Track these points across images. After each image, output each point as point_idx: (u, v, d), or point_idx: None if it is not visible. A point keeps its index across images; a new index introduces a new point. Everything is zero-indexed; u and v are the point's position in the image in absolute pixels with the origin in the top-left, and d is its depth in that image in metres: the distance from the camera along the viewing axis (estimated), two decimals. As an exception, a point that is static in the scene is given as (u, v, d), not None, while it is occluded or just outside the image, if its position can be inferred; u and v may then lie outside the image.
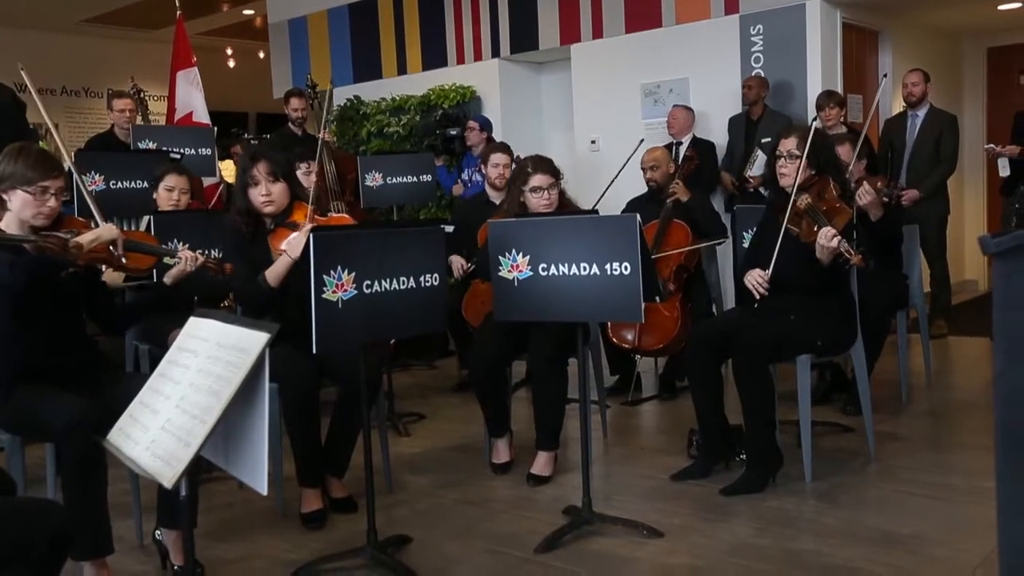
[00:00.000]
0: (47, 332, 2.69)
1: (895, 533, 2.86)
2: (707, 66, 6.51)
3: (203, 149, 5.47)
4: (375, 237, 2.73)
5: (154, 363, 3.91)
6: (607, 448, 4.00)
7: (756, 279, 3.33)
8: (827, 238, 3.10)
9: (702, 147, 6.05)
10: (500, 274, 3.01)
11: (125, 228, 3.77)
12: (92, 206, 3.11)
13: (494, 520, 3.17)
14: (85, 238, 2.66)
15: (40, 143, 6.85)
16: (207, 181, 5.72)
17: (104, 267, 2.93)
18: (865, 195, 3.83)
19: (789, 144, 3.35)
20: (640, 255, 2.80)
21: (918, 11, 6.91)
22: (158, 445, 1.91)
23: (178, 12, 6.80)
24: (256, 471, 1.87)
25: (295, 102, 6.45)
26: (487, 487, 3.54)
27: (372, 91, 8.10)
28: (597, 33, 7.04)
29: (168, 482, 1.79)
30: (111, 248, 2.76)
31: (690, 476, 3.44)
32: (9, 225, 2.66)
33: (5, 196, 2.64)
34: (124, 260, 2.82)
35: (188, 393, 1.94)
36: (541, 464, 3.53)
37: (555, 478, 3.52)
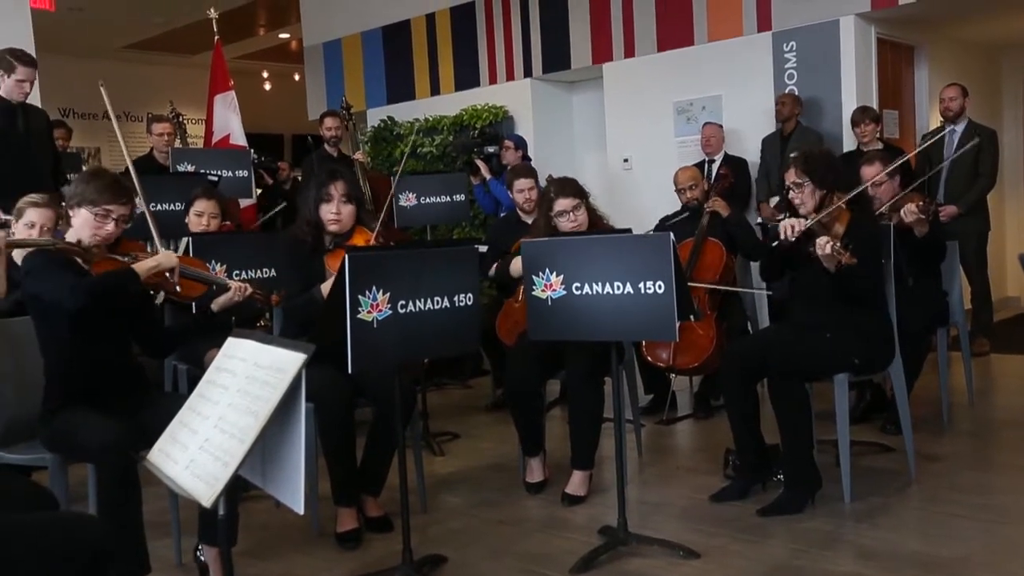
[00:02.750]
0: (99, 354, 2.74)
1: (937, 556, 2.80)
2: (740, 83, 6.50)
3: (240, 171, 5.56)
4: (409, 257, 2.75)
5: (192, 383, 3.97)
6: (642, 467, 3.98)
7: (791, 223, 3.28)
8: (820, 247, 3.11)
9: (735, 164, 6.03)
10: (534, 293, 3.02)
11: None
12: (153, 231, 3.12)
13: (529, 540, 3.16)
14: (146, 264, 2.71)
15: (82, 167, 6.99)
16: (244, 202, 5.81)
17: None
18: (909, 214, 3.84)
19: (791, 176, 3.39)
20: (674, 274, 2.79)
21: (955, 26, 6.85)
22: (197, 464, 1.93)
23: (216, 37, 6.94)
24: (293, 490, 1.88)
25: (329, 122, 6.55)
26: (521, 506, 3.53)
27: (405, 112, 8.19)
28: (629, 52, 7.06)
29: (207, 501, 1.81)
30: (168, 275, 2.80)
31: (727, 497, 3.40)
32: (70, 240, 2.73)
33: (71, 212, 2.72)
34: (178, 288, 2.85)
35: (226, 413, 1.96)
36: (576, 483, 3.52)
37: (590, 498, 3.50)
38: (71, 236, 2.74)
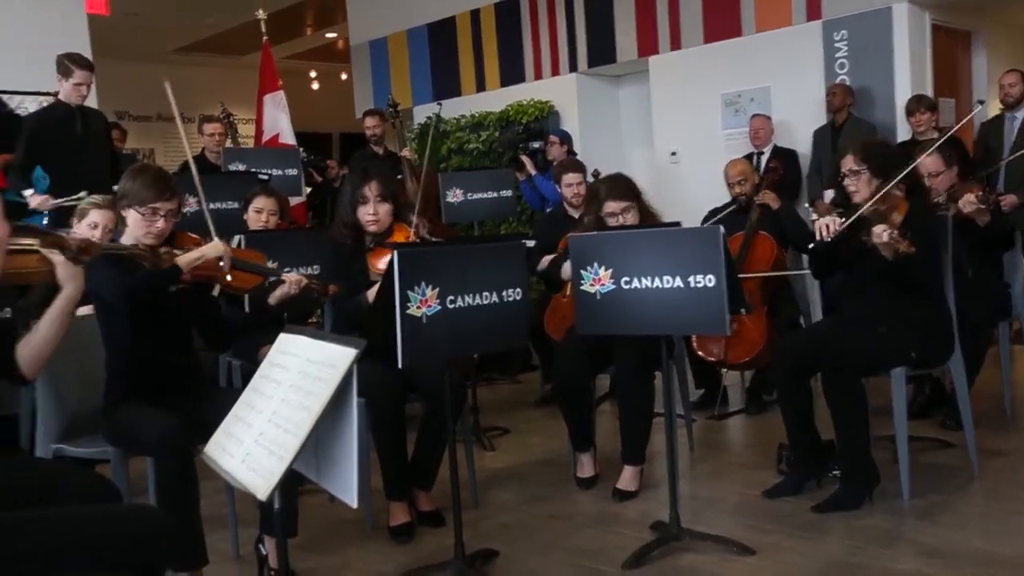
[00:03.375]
0: (158, 350, 2.79)
1: (1000, 553, 2.73)
2: (789, 74, 6.40)
3: (289, 170, 5.62)
4: (458, 253, 2.76)
5: (246, 378, 4.04)
6: (693, 463, 3.94)
7: (825, 222, 3.20)
8: (877, 236, 3.03)
9: (785, 156, 5.94)
10: (582, 287, 3.01)
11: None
12: (209, 224, 3.11)
13: (580, 535, 3.15)
14: (189, 256, 2.75)
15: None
16: (293, 201, 5.87)
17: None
18: (968, 205, 3.74)
19: (848, 163, 3.31)
20: (725, 267, 2.75)
21: (1013, 10, 6.66)
22: (253, 458, 1.95)
23: (264, 38, 7.02)
24: (346, 484, 1.90)
25: (369, 121, 6.61)
26: (572, 501, 3.52)
27: (451, 108, 8.22)
28: (675, 44, 7.00)
29: (262, 495, 1.83)
30: (219, 264, 2.82)
31: (781, 493, 3.36)
32: (127, 241, 2.79)
33: (124, 213, 2.77)
34: (229, 278, 2.87)
35: (280, 408, 1.98)
36: (627, 478, 3.50)
37: (641, 493, 3.48)
38: (127, 237, 2.80)
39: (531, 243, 4.55)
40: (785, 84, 6.43)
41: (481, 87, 8.20)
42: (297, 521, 2.82)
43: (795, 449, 3.40)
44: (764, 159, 5.95)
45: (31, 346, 2.13)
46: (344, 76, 11.68)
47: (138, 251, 2.69)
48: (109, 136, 5.24)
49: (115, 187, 2.89)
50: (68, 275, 2.12)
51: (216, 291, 3.15)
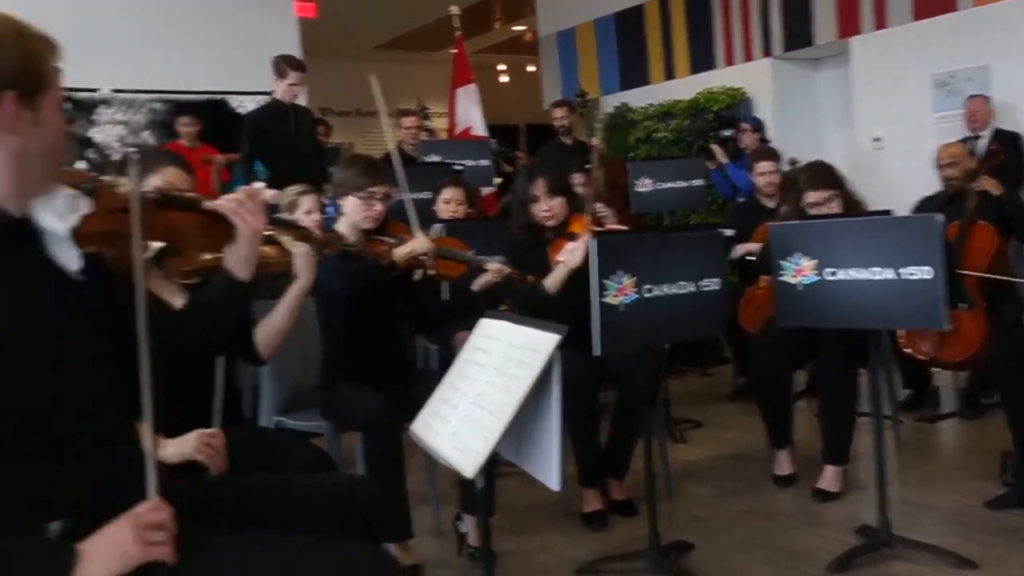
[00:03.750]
0: (368, 332, 2.95)
1: None
2: (1012, 52, 5.87)
3: (482, 160, 5.76)
4: (656, 242, 2.73)
5: (443, 363, 4.20)
6: (902, 467, 3.70)
7: None
8: None
9: (1007, 139, 5.46)
10: (782, 278, 2.89)
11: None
12: (412, 217, 3.23)
13: (780, 534, 3.04)
14: (402, 251, 2.89)
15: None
16: (485, 190, 6.02)
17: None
18: None
19: None
20: (943, 258, 2.57)
21: None
22: (458, 438, 2.01)
23: (457, 33, 7.21)
24: (548, 467, 1.93)
25: (557, 112, 6.65)
26: (770, 499, 3.40)
27: (639, 97, 8.13)
28: (880, 23, 6.59)
29: (469, 472, 1.88)
30: (423, 257, 2.95)
31: (1006, 504, 3.09)
32: (344, 228, 2.94)
33: (340, 201, 2.94)
34: (433, 269, 2.99)
35: (484, 390, 2.03)
36: (828, 479, 3.34)
37: (843, 495, 3.31)
38: (343, 224, 2.96)
39: (730, 232, 4.44)
40: (1008, 62, 5.90)
41: (670, 75, 8.07)
42: (494, 500, 2.89)
43: (1022, 457, 3.12)
44: (983, 143, 5.49)
45: (267, 330, 2.28)
46: (531, 68, 11.82)
47: (365, 250, 2.82)
48: (316, 132, 5.57)
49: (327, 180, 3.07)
50: (304, 266, 2.25)
51: (417, 276, 3.27)
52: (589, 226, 3.32)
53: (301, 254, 2.22)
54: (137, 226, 1.38)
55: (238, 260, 1.61)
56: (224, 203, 1.60)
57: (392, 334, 3.05)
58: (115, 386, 1.41)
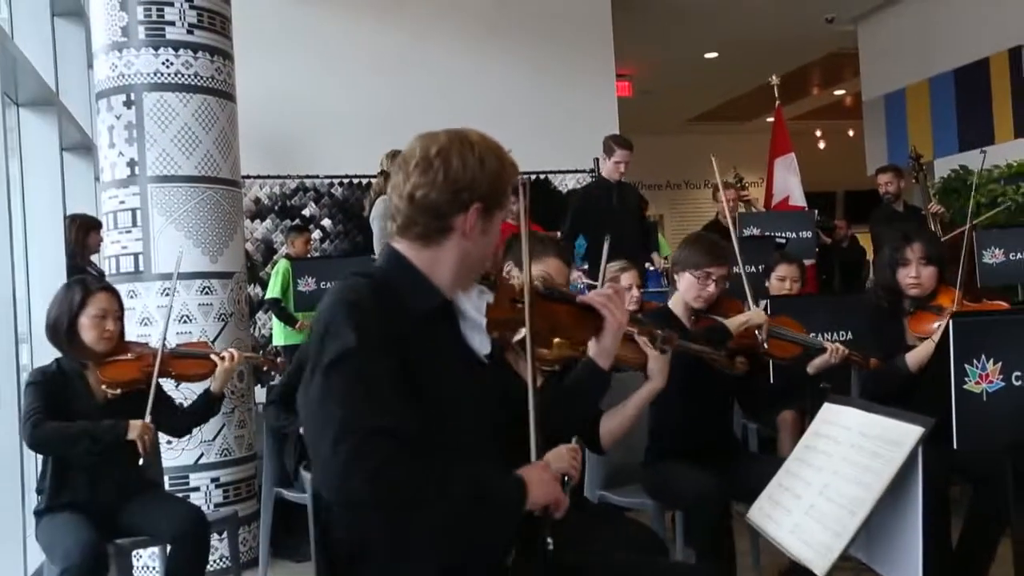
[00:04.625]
0: (699, 410, 2.92)
1: None
2: None
3: (804, 232, 5.58)
4: (1024, 322, 2.45)
5: (762, 443, 4.04)
6: None
7: None
8: None
9: None
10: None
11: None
12: (746, 289, 3.23)
13: None
14: (736, 320, 2.86)
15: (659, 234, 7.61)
16: (805, 263, 5.79)
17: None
18: None
19: None
20: None
21: None
22: (802, 530, 1.92)
23: (777, 102, 7.10)
24: (907, 570, 1.78)
25: (882, 177, 6.30)
26: None
27: (980, 159, 7.43)
28: None
29: (820, 570, 1.78)
30: (756, 333, 2.89)
31: None
32: (675, 304, 3.00)
33: (676, 276, 2.99)
34: (767, 346, 2.91)
35: (832, 481, 1.92)
36: None
37: None
38: (675, 301, 2.99)
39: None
40: None
41: (1021, 133, 7.31)
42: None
43: None
44: None
45: (613, 424, 2.31)
46: (851, 132, 11.30)
47: (700, 347, 2.75)
48: (639, 207, 5.69)
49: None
50: (658, 370, 2.28)
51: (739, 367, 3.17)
52: (961, 302, 3.07)
53: (654, 357, 2.26)
54: (529, 316, 1.58)
55: (602, 351, 1.76)
56: (595, 297, 1.76)
57: (722, 412, 3.00)
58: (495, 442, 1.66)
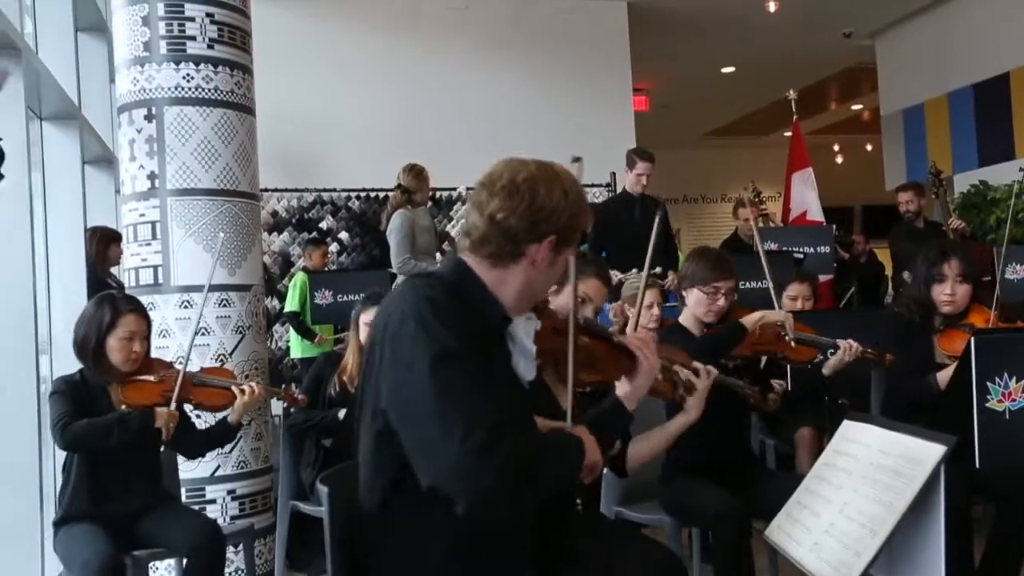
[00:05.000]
0: (716, 425, 2.89)
1: None
2: None
3: (821, 247, 5.55)
4: (1050, 340, 2.42)
5: (779, 459, 4.00)
6: None
7: None
8: None
9: None
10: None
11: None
12: (775, 302, 3.23)
13: None
14: (752, 317, 2.86)
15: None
16: (822, 278, 5.75)
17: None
18: None
19: None
20: None
21: None
22: (822, 549, 1.90)
23: (794, 117, 7.08)
24: (929, 592, 1.75)
25: (903, 196, 6.24)
26: None
27: (1001, 174, 7.38)
28: None
29: (839, 590, 1.76)
30: (780, 333, 2.87)
31: None
32: (686, 319, 2.98)
33: (685, 292, 2.98)
34: (792, 345, 2.90)
35: (851, 499, 1.90)
36: None
37: None
38: (686, 316, 2.97)
39: None
40: None
41: (1041, 147, 7.26)
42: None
43: None
44: None
45: (640, 450, 2.34)
46: (869, 147, 11.25)
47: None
48: (665, 221, 5.65)
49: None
50: (695, 404, 2.32)
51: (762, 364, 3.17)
52: (996, 323, 3.05)
53: (693, 392, 2.28)
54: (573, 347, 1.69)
55: (632, 391, 1.82)
56: (631, 339, 1.83)
57: (740, 429, 2.98)
58: None
